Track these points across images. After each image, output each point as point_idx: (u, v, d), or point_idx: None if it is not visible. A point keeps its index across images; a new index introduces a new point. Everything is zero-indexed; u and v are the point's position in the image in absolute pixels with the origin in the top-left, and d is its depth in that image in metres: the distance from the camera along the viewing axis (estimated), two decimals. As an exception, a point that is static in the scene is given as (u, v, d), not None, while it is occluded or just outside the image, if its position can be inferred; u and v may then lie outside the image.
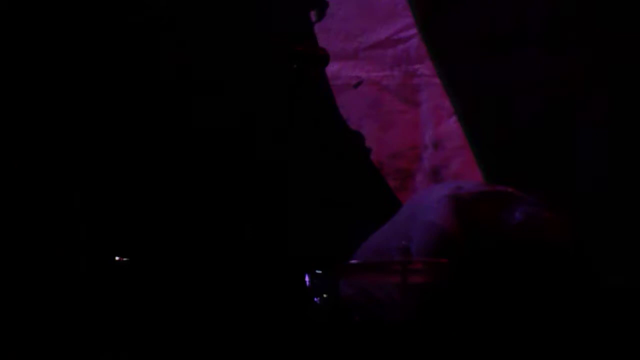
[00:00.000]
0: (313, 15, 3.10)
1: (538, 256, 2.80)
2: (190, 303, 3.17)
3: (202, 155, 3.49)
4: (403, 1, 3.01)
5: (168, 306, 3.13)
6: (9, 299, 3.07)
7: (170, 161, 3.54)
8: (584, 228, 2.74)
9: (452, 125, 3.01)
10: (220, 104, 3.45)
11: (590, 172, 2.91)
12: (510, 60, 2.85)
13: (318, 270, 2.93)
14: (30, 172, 3.62)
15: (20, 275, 3.20)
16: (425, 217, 2.67)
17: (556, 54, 2.88)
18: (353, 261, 2.76)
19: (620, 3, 2.95)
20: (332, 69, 3.03)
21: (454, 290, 2.70)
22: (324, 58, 2.78)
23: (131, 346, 3.00)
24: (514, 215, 2.71)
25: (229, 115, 3.40)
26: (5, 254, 3.26)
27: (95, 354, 3.00)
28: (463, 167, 2.98)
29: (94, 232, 3.58)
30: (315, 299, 2.93)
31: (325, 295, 2.92)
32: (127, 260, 3.27)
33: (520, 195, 2.69)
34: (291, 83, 2.89)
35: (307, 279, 2.98)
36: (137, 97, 3.57)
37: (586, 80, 3.00)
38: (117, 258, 3.25)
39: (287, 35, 3.14)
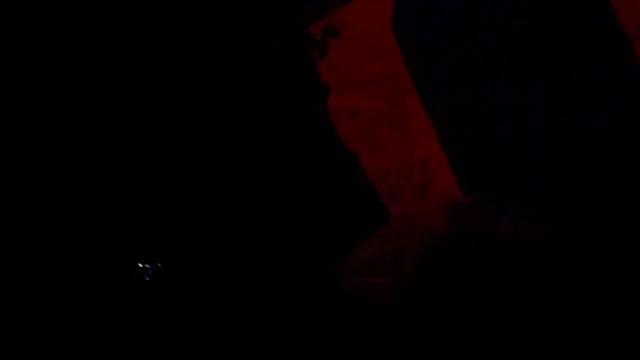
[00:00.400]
0: (317, 53, 3.30)
1: (522, 260, 2.82)
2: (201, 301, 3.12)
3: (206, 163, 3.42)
4: (394, 42, 3.22)
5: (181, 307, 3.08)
6: (10, 298, 3.05)
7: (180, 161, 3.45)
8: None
9: (435, 148, 3.20)
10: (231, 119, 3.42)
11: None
12: (486, 90, 3.08)
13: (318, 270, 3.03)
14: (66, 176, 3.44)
15: (23, 276, 3.15)
16: (429, 216, 2.85)
17: (527, 83, 3.09)
18: (350, 263, 2.88)
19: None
20: (332, 100, 3.27)
21: (442, 292, 2.80)
22: (325, 91, 3.23)
23: (138, 346, 2.99)
24: (501, 223, 2.81)
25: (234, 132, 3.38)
26: (6, 254, 3.22)
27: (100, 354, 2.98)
28: (445, 184, 3.17)
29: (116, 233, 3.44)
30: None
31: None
32: (152, 266, 3.22)
33: (503, 206, 2.85)
34: (296, 112, 3.25)
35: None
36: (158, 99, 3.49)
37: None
38: (140, 265, 3.22)
39: (293, 70, 3.36)
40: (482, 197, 3.00)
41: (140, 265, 3.22)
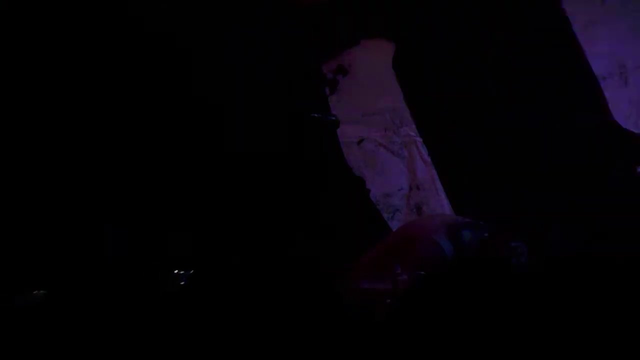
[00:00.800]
0: (327, 90, 3.57)
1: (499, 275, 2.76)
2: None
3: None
4: (394, 80, 3.48)
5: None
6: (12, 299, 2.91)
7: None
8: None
9: (430, 172, 3.55)
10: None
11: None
12: (473, 124, 3.36)
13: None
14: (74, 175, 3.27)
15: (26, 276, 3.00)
16: (423, 232, 2.93)
17: (508, 117, 3.36)
18: (353, 273, 2.91)
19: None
20: (341, 130, 3.44)
21: (435, 298, 2.68)
22: (335, 122, 3.37)
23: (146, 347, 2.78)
24: (483, 238, 2.90)
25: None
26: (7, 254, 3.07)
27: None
28: (437, 204, 3.51)
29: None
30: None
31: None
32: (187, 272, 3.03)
33: (489, 226, 2.93)
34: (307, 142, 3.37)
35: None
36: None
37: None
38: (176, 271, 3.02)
39: (306, 104, 3.47)
40: (472, 218, 3.08)
41: (175, 271, 3.09)
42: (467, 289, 2.70)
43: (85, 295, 2.92)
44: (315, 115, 3.43)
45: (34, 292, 2.90)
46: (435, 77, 3.47)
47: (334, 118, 3.43)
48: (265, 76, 3.53)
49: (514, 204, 3.35)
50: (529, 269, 2.81)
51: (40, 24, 3.24)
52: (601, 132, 3.40)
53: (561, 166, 3.34)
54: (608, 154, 3.41)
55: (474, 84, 3.43)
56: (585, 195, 3.28)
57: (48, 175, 3.23)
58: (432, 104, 3.49)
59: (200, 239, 3.29)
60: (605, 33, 3.47)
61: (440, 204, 3.51)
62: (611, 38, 3.47)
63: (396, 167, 3.58)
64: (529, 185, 3.37)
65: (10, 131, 3.21)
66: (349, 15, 3.54)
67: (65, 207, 3.22)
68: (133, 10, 3.35)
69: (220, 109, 3.45)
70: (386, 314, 2.81)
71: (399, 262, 2.86)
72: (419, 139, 3.54)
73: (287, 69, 3.53)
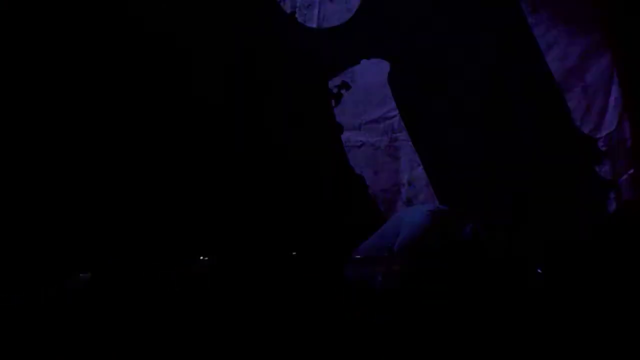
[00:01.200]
0: (333, 102, 3.76)
1: (478, 260, 3.13)
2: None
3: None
4: (389, 93, 3.75)
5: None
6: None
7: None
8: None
9: (420, 171, 3.76)
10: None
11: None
12: (452, 131, 3.68)
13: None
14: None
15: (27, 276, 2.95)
16: (413, 220, 3.13)
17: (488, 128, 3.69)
18: (356, 255, 3.21)
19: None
20: (344, 136, 3.75)
21: (422, 279, 3.03)
22: (339, 129, 3.71)
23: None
24: (466, 229, 3.14)
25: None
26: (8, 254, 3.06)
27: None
28: (426, 198, 3.73)
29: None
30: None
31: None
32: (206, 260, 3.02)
33: (471, 215, 3.21)
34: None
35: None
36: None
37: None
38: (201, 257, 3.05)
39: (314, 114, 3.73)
40: (453, 208, 3.41)
41: (201, 258, 3.08)
42: (452, 274, 3.05)
43: (87, 295, 2.82)
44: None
45: (80, 275, 2.89)
46: (423, 92, 3.74)
47: (337, 126, 3.67)
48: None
49: (488, 195, 3.61)
50: (475, 238, 2.98)
51: (40, 24, 3.19)
52: (564, 136, 3.71)
53: (528, 165, 3.63)
54: (570, 155, 3.69)
55: (454, 98, 3.69)
56: (549, 187, 3.60)
57: (48, 175, 3.21)
58: (421, 114, 3.76)
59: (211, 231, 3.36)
60: (567, 52, 3.74)
61: (427, 197, 3.74)
62: (572, 55, 3.74)
63: (391, 167, 3.79)
64: (502, 180, 3.65)
65: (10, 131, 3.15)
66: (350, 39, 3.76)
67: (65, 207, 3.23)
68: (133, 10, 3.32)
69: (221, 109, 3.47)
70: (382, 289, 3.05)
71: (392, 245, 3.12)
72: (410, 143, 3.77)
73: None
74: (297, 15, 3.67)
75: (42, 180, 3.22)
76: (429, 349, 2.76)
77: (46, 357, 2.63)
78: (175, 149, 3.39)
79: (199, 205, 3.40)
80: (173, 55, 3.35)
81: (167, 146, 3.38)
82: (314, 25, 3.69)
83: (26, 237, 3.13)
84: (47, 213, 3.21)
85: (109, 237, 3.25)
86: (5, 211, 3.14)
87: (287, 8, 3.69)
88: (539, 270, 3.07)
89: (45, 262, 3.04)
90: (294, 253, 3.26)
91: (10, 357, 2.59)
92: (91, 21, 3.28)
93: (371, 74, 3.76)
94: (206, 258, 3.07)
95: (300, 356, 2.77)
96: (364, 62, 3.74)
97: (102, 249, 3.16)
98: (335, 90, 3.72)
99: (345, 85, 3.72)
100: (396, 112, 3.76)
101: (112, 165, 3.27)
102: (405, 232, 3.17)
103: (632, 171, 3.67)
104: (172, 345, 2.72)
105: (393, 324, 2.82)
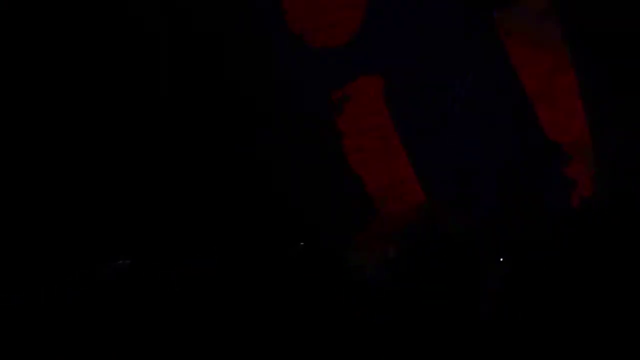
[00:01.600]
0: (336, 112, 4.05)
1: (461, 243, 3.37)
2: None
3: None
4: (384, 104, 4.05)
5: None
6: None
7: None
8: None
9: (410, 172, 4.08)
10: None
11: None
12: (437, 139, 4.03)
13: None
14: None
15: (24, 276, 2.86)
16: (402, 214, 3.42)
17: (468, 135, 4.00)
18: (356, 243, 3.47)
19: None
20: (345, 141, 4.05)
21: (414, 267, 3.30)
22: (341, 136, 4.03)
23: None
24: (447, 221, 3.53)
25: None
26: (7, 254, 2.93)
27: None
28: (415, 195, 3.99)
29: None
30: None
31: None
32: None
33: (452, 209, 3.67)
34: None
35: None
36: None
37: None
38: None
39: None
40: (438, 202, 3.86)
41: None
42: (440, 262, 3.33)
43: (89, 294, 2.76)
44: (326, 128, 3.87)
45: (120, 262, 2.90)
46: (411, 104, 4.10)
47: (340, 133, 3.98)
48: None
49: (467, 194, 3.98)
50: (452, 229, 3.25)
51: (40, 24, 3.02)
52: (534, 142, 4.04)
53: (502, 167, 3.97)
54: (539, 158, 4.01)
55: (438, 109, 4.04)
56: (520, 188, 3.96)
57: (48, 175, 3.08)
58: (410, 122, 4.11)
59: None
60: (537, 70, 4.05)
61: (416, 194, 4.06)
62: (541, 71, 4.04)
63: (384, 168, 4.08)
64: (480, 180, 4.00)
65: (10, 131, 3.02)
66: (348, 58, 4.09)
67: (65, 207, 3.12)
68: (133, 10, 3.14)
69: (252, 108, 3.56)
70: (380, 277, 3.28)
71: (388, 237, 3.47)
72: (401, 148, 4.13)
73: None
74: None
75: (39, 180, 3.11)
76: (429, 349, 2.80)
77: (46, 357, 2.59)
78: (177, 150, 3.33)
79: (200, 206, 3.37)
80: (173, 55, 3.27)
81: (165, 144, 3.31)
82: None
83: (25, 237, 3.02)
84: (43, 214, 3.10)
85: (108, 237, 3.16)
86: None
87: (297, 31, 3.99)
88: (501, 259, 3.28)
89: (43, 262, 2.94)
90: (301, 243, 3.41)
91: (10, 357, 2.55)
92: (90, 21, 3.19)
93: (368, 88, 4.05)
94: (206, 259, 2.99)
95: (300, 356, 2.75)
96: (361, 78, 4.06)
97: (102, 249, 3.07)
98: (337, 102, 4.04)
99: (346, 98, 4.05)
100: (389, 120, 4.08)
101: (110, 164, 3.20)
102: (399, 225, 3.50)
103: (592, 172, 4.01)
104: (172, 345, 2.69)
105: (393, 324, 2.82)
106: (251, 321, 2.83)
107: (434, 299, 3.04)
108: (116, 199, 3.14)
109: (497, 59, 4.08)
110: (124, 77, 2.98)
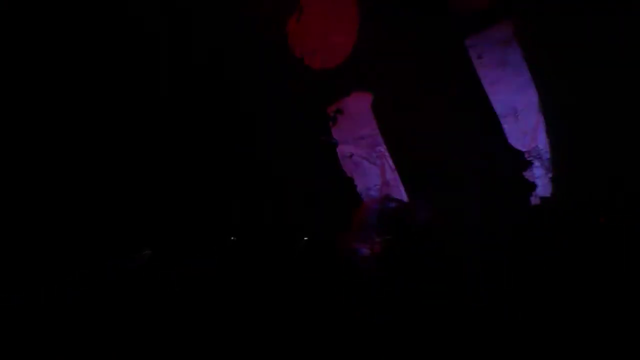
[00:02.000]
0: (330, 123, 4.58)
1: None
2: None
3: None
4: (373, 116, 4.56)
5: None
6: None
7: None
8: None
9: (394, 175, 4.59)
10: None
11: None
12: (419, 145, 4.51)
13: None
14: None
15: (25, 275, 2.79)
16: (385, 210, 3.91)
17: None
18: (345, 236, 3.89)
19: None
20: (339, 148, 4.57)
21: (396, 257, 3.64)
22: (335, 143, 4.59)
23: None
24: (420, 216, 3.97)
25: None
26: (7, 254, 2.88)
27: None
28: (398, 194, 4.53)
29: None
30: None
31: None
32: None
33: (428, 207, 4.08)
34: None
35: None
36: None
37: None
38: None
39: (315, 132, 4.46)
40: (417, 200, 4.38)
41: (232, 238, 3.28)
42: (415, 254, 3.77)
43: (91, 294, 2.79)
44: (324, 138, 4.42)
45: (143, 252, 2.96)
46: (397, 116, 4.61)
47: (334, 141, 4.52)
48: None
49: (444, 195, 4.46)
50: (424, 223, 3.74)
51: (41, 24, 3.13)
52: (500, 150, 4.55)
53: (472, 172, 4.46)
54: (503, 165, 4.52)
55: (419, 121, 4.54)
56: (487, 192, 4.47)
57: (48, 175, 3.19)
58: (395, 133, 4.63)
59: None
60: (503, 87, 4.57)
61: (399, 194, 4.61)
62: (507, 90, 4.55)
63: (373, 172, 4.57)
64: (454, 184, 4.48)
65: (10, 131, 3.12)
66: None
67: (65, 208, 3.22)
68: (133, 10, 3.32)
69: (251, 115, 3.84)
70: (368, 266, 3.70)
71: (373, 230, 4.01)
72: (388, 154, 4.63)
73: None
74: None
75: (39, 180, 3.11)
76: (429, 349, 2.73)
77: (44, 356, 2.53)
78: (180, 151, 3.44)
79: (200, 206, 3.52)
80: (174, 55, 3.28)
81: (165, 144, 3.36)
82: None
83: (25, 237, 3.01)
84: (43, 214, 3.10)
85: (109, 237, 3.17)
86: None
87: (298, 54, 4.52)
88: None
89: (42, 262, 2.92)
90: (305, 238, 3.64)
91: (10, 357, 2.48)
92: (90, 21, 3.22)
93: (358, 103, 4.52)
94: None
95: (300, 356, 2.70)
96: (354, 94, 4.55)
97: (102, 249, 3.08)
98: (332, 115, 4.53)
99: (340, 111, 4.57)
100: (377, 131, 4.57)
101: (109, 164, 3.23)
102: (380, 218, 3.98)
103: (550, 175, 4.47)
104: (171, 345, 2.61)
105: (393, 324, 2.76)
106: (251, 321, 2.85)
107: (421, 297, 3.16)
108: (116, 199, 3.11)
109: (469, 79, 4.57)
110: (124, 77, 3.06)
